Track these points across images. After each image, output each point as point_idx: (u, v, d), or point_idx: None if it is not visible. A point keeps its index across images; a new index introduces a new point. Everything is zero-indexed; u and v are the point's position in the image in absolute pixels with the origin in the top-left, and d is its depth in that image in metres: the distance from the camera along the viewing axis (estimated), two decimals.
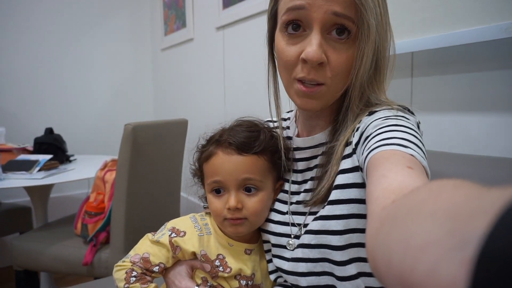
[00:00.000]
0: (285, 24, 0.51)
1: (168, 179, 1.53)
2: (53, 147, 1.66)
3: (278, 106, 0.61)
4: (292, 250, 0.58)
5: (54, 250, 1.32)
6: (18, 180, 1.35)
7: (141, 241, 0.66)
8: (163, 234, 0.64)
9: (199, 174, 0.66)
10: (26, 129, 2.02)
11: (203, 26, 1.98)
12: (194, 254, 0.63)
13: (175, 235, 0.63)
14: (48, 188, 1.61)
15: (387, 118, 0.47)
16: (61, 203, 2.03)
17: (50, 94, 2.26)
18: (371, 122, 0.48)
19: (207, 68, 1.97)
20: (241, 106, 1.74)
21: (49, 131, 1.74)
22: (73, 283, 1.90)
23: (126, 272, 0.62)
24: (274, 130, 0.65)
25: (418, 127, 0.50)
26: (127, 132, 1.22)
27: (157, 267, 0.63)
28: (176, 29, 2.23)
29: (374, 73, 0.52)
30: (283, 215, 0.62)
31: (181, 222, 0.66)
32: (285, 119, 0.70)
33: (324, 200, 0.53)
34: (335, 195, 0.51)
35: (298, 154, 0.62)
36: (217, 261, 0.63)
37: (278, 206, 0.63)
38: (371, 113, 0.51)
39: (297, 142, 0.62)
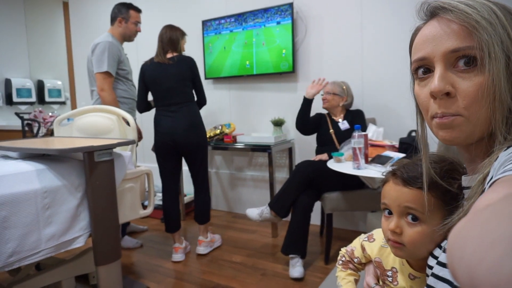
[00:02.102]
0: (415, 72, 0.58)
1: None
2: (411, 147, 1.95)
3: (425, 153, 0.63)
4: None
5: None
6: (371, 171, 1.79)
7: (356, 238, 0.88)
8: (363, 237, 0.83)
9: None
10: (399, 129, 2.41)
11: None
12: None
13: (367, 239, 0.81)
14: None
15: None
16: None
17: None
18: (505, 158, 0.45)
19: None
20: None
21: (411, 132, 2.03)
22: None
23: (340, 256, 0.89)
24: (457, 169, 0.66)
25: None
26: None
27: (356, 259, 0.84)
28: None
29: None
30: (439, 250, 0.63)
31: (379, 232, 0.81)
32: None
33: None
34: None
35: (466, 194, 0.61)
36: (390, 272, 0.75)
37: (443, 242, 0.64)
38: (509, 147, 0.47)
39: (463, 181, 0.61)
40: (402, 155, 1.85)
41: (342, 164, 2.03)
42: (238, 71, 3.16)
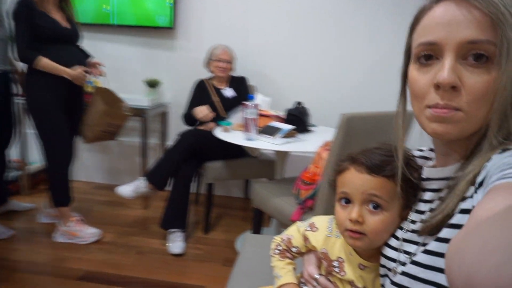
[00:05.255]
0: (417, 57, 0.52)
1: None
2: (297, 118, 2.01)
3: (402, 140, 0.61)
4: (395, 275, 0.59)
5: (276, 201, 1.67)
6: (263, 143, 1.76)
7: (292, 226, 0.82)
8: (304, 225, 0.77)
9: (334, 185, 0.72)
10: (286, 100, 2.48)
11: None
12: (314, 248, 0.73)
13: (309, 229, 0.75)
14: None
15: None
16: (298, 160, 2.46)
17: (307, 70, 2.64)
18: (502, 161, 0.43)
19: None
20: None
21: (298, 104, 2.10)
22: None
23: (275, 245, 0.82)
24: (412, 158, 0.65)
25: None
26: (342, 121, 1.34)
27: (295, 249, 0.78)
28: None
29: None
30: (397, 241, 0.62)
31: (320, 220, 0.77)
32: (431, 150, 0.68)
33: (433, 233, 0.52)
34: (447, 233, 0.49)
35: (428, 185, 0.60)
36: (336, 262, 0.71)
37: (397, 232, 0.64)
38: (504, 150, 0.45)
39: (428, 172, 0.60)
40: (291, 126, 1.88)
41: (231, 134, 1.95)
42: (92, 18, 2.63)
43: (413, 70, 0.53)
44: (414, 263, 0.54)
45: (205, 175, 2.21)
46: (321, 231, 0.75)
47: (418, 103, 0.53)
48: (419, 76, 0.52)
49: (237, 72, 2.51)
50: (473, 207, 0.46)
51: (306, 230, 0.76)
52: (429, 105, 0.50)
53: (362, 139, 1.42)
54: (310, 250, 0.77)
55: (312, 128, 2.11)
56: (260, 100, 2.15)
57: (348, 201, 0.66)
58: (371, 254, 0.69)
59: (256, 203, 1.82)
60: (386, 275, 0.65)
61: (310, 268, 0.75)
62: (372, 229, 0.63)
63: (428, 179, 0.61)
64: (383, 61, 2.56)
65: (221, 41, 2.44)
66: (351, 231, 0.65)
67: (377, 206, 0.63)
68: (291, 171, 2.31)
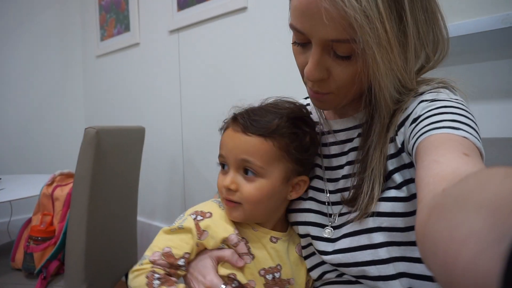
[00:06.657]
0: (293, 36, 0.49)
1: (128, 189, 1.35)
2: None
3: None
4: (332, 236, 0.54)
5: None
6: None
7: (156, 237, 0.56)
8: (185, 219, 0.56)
9: None
10: None
11: (151, 30, 1.84)
12: (223, 240, 0.54)
13: (201, 217, 0.55)
14: None
15: (434, 100, 0.45)
16: None
17: None
18: (418, 104, 0.46)
19: (159, 73, 1.82)
20: (199, 111, 1.64)
21: None
22: None
23: (147, 277, 0.52)
24: (307, 114, 0.59)
25: None
26: (89, 137, 1.03)
27: (183, 260, 0.54)
28: (116, 33, 2.03)
29: (404, 63, 0.46)
30: (319, 204, 0.57)
31: (203, 205, 0.59)
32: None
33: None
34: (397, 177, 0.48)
35: (331, 138, 0.58)
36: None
37: (316, 194, 0.58)
38: (416, 95, 0.48)
39: (337, 124, 0.58)
40: None
41: None
42: None
43: (292, 44, 0.51)
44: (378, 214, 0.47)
45: None
46: (216, 212, 0.57)
47: (301, 75, 0.52)
48: (296, 54, 0.51)
49: None
50: (400, 148, 0.47)
51: (198, 220, 0.55)
52: (306, 83, 0.51)
53: (116, 155, 1.17)
54: (202, 251, 0.56)
55: None
56: None
57: (225, 165, 0.56)
58: (277, 223, 0.60)
59: None
60: (311, 244, 0.56)
61: (210, 277, 0.52)
62: (247, 198, 0.53)
63: (335, 131, 0.57)
64: (50, 89, 2.24)
65: None
66: (226, 199, 0.55)
67: (250, 172, 0.54)
68: None
